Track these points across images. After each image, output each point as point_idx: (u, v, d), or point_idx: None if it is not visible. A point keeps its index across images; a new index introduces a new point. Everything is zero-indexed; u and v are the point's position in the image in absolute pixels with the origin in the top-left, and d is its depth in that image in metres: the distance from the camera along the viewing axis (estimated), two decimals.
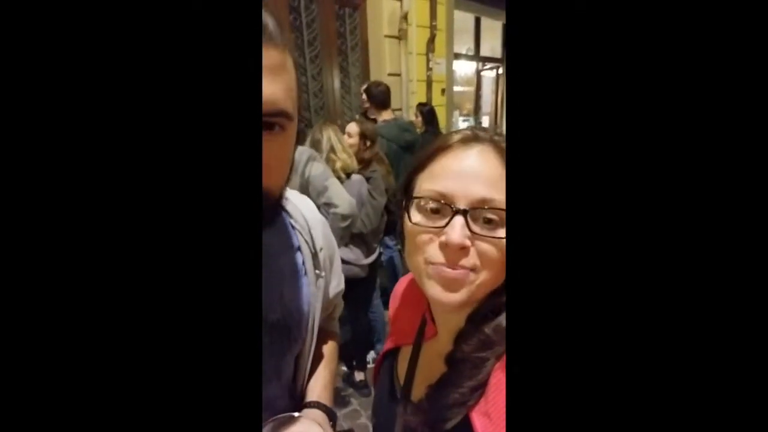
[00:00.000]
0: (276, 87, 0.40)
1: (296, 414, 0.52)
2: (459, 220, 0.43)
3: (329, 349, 0.70)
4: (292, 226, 0.60)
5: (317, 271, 0.61)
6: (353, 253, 1.85)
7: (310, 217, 0.64)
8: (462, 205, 0.43)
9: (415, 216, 0.46)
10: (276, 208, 0.51)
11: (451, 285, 0.44)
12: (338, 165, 1.74)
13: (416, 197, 0.46)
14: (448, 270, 0.44)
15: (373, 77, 3.09)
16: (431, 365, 0.53)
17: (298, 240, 0.60)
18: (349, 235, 1.74)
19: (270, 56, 0.39)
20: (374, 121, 2.46)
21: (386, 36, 3.23)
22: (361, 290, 1.98)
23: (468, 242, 0.43)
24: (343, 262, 1.53)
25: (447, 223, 0.43)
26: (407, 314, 0.62)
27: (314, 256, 0.61)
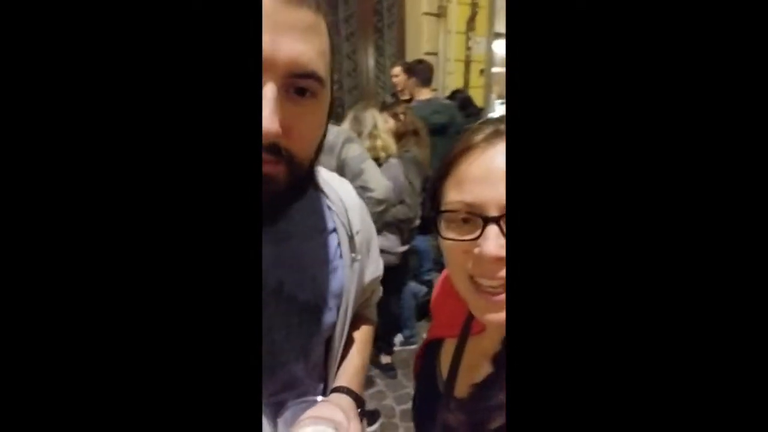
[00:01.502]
0: (306, 47, 0.38)
1: (319, 398, 0.51)
2: (492, 229, 0.40)
3: (364, 335, 0.69)
4: (329, 208, 0.59)
5: (353, 255, 0.60)
6: (388, 241, 1.84)
7: (348, 199, 0.63)
8: (493, 212, 0.40)
9: (446, 230, 0.44)
10: (306, 181, 0.48)
11: (498, 306, 0.42)
12: (379, 144, 1.71)
13: (444, 211, 0.44)
14: (494, 296, 0.41)
15: (409, 56, 3.01)
16: (477, 363, 0.51)
17: (335, 222, 0.59)
18: (383, 220, 1.73)
19: (301, 17, 0.38)
20: (408, 101, 2.40)
21: (425, 13, 3.12)
22: (394, 277, 1.98)
23: (505, 252, 0.40)
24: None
25: (480, 234, 0.40)
26: (451, 304, 0.59)
27: (351, 239, 0.60)
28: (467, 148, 0.43)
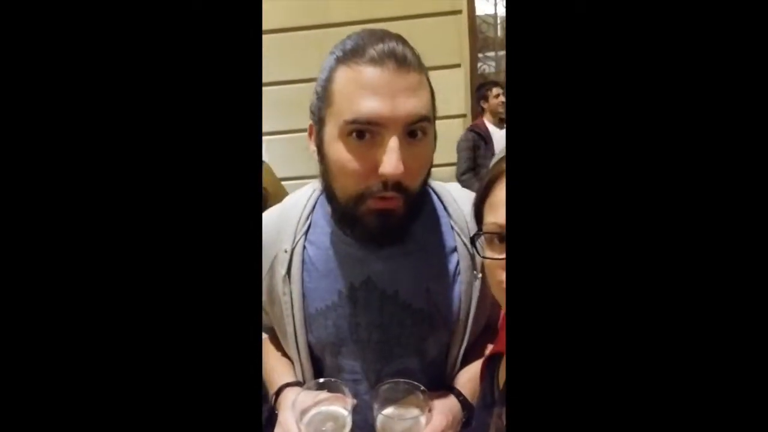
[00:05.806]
0: (417, 101, 0.51)
1: (403, 380, 0.58)
2: None
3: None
4: (452, 228, 0.65)
5: (474, 272, 0.64)
6: None
7: (473, 220, 0.68)
8: None
9: (484, 249, 0.48)
10: (419, 206, 0.58)
11: None
12: None
13: (481, 232, 0.48)
14: None
15: None
16: None
17: (456, 241, 0.64)
18: None
19: (410, 79, 0.51)
20: None
21: None
22: None
23: None
24: None
25: None
26: None
27: (472, 258, 0.64)
28: (501, 173, 0.47)
